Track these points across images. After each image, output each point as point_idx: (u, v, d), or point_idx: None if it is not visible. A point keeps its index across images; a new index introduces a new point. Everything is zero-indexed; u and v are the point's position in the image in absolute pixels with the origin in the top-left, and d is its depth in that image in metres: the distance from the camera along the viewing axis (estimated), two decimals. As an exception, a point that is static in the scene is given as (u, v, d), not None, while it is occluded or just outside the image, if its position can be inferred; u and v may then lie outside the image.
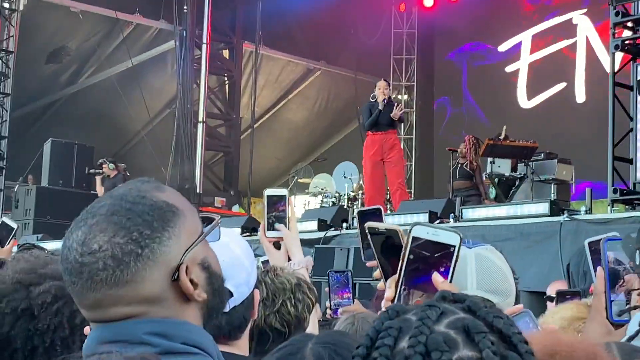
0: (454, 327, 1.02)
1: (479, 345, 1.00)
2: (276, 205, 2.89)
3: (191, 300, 1.38)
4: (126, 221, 1.34)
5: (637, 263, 1.78)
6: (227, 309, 1.99)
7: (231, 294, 2.01)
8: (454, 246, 1.43)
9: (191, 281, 1.38)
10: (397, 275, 1.45)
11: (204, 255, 1.43)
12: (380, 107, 10.88)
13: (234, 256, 2.11)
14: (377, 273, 1.73)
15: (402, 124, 11.26)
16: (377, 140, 11.00)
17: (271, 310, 2.36)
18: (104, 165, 13.65)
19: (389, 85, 11.31)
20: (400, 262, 1.44)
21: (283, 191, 2.94)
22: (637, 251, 1.83)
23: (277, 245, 2.88)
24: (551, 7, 15.95)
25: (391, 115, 10.86)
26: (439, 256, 1.43)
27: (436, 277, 1.42)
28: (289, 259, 2.80)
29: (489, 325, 1.03)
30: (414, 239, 1.42)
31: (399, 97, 18.45)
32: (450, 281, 1.44)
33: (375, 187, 11.06)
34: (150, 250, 1.34)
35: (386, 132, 10.99)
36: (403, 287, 1.44)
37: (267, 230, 2.87)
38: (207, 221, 1.48)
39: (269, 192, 2.91)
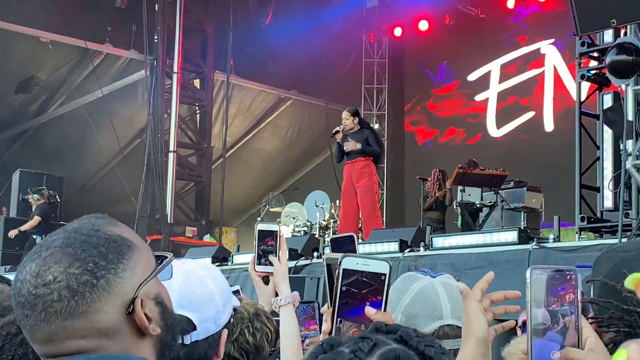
0: (385, 358, 1.02)
1: None
2: (266, 240, 2.90)
3: (145, 334, 1.38)
4: (81, 252, 1.34)
5: (591, 296, 1.77)
6: (188, 342, 1.97)
7: (194, 327, 1.99)
8: (385, 274, 1.44)
9: (145, 315, 1.37)
10: (331, 308, 1.46)
11: (158, 290, 1.43)
12: (338, 140, 10.87)
13: (207, 291, 2.09)
14: (324, 308, 1.74)
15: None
16: (347, 169, 11.01)
17: (229, 339, 2.33)
18: (29, 196, 14.07)
19: (356, 114, 11.21)
20: (334, 294, 1.44)
21: (274, 226, 2.94)
22: (591, 285, 1.82)
23: (265, 280, 2.89)
24: (519, 38, 16.13)
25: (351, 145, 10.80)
26: (370, 286, 1.44)
27: (369, 310, 1.43)
28: (277, 294, 2.79)
29: (421, 354, 1.04)
30: (345, 270, 1.42)
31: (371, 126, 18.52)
32: (384, 310, 1.45)
33: (347, 217, 11.05)
34: (106, 281, 1.33)
35: (353, 160, 10.92)
36: (338, 319, 1.44)
37: (257, 264, 2.87)
38: (160, 259, 1.48)
39: (260, 226, 2.92)
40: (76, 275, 1.32)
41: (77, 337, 1.33)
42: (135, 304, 1.36)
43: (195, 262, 2.19)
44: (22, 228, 13.82)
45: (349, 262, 1.42)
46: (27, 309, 1.33)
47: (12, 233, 13.89)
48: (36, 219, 13.77)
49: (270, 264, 2.85)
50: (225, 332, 2.13)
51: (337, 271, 1.44)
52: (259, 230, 2.91)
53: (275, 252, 2.86)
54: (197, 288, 2.05)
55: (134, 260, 1.38)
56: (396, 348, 1.04)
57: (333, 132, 10.93)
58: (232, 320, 2.29)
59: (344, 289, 1.42)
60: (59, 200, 14.44)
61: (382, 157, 11.65)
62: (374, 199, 11.16)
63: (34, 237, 13.71)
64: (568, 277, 1.46)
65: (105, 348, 1.34)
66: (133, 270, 1.37)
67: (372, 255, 9.02)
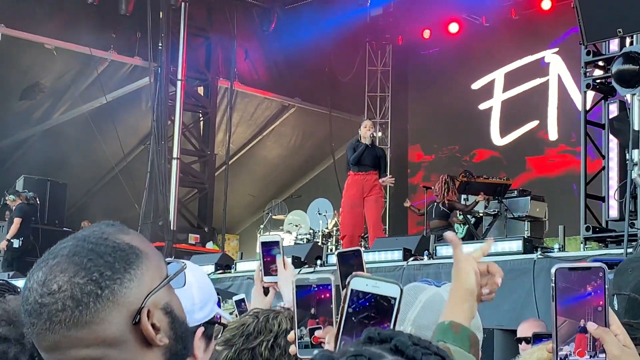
0: None
1: None
2: (269, 250, 2.94)
3: (153, 344, 1.36)
4: (87, 262, 1.33)
5: (616, 309, 1.74)
6: None
7: None
8: (395, 298, 1.39)
9: (153, 325, 1.35)
10: (335, 329, 1.41)
11: (167, 300, 1.41)
12: (367, 142, 10.87)
13: (188, 284, 2.08)
14: (291, 336, 1.74)
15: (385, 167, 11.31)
16: (358, 180, 10.97)
17: (247, 346, 2.30)
18: (6, 198, 14.07)
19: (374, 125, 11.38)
20: (339, 316, 1.40)
21: (276, 237, 3.00)
22: (614, 297, 1.79)
23: (265, 291, 2.93)
24: (524, 46, 16.12)
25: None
26: (379, 309, 1.39)
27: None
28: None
29: None
30: (353, 291, 1.38)
31: (374, 134, 18.50)
32: None
33: (352, 226, 11.01)
34: (111, 291, 1.32)
35: (367, 172, 10.96)
36: (342, 342, 1.38)
37: (265, 275, 2.92)
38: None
39: (263, 238, 2.98)
40: (80, 285, 1.31)
41: (81, 346, 1.32)
42: (142, 314, 1.34)
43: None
44: (8, 236, 13.72)
45: (358, 283, 1.38)
46: (34, 317, 1.33)
47: (2, 245, 13.78)
48: (17, 222, 13.66)
49: (276, 273, 2.88)
50: (200, 330, 2.10)
51: (345, 291, 1.40)
52: (262, 242, 2.97)
53: (280, 260, 2.91)
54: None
55: (142, 269, 1.37)
56: None
57: (369, 136, 10.90)
58: (224, 324, 2.27)
59: (350, 310, 1.38)
60: (38, 202, 14.39)
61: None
62: (380, 211, 11.32)
63: (12, 240, 13.63)
64: (596, 274, 1.45)
65: (110, 357, 1.33)
66: (140, 279, 1.36)
67: (376, 263, 9.01)
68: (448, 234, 1.83)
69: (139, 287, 1.35)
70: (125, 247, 1.37)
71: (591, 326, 1.45)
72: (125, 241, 1.38)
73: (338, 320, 1.39)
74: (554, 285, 1.46)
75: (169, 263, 1.47)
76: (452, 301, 1.75)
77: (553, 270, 1.46)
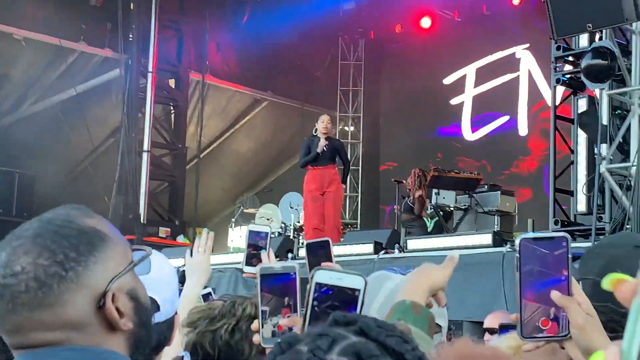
0: (345, 354, 0.99)
1: None
2: (256, 239, 2.93)
3: (117, 329, 1.35)
4: (51, 243, 1.31)
5: None
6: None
7: (158, 308, 1.99)
8: (359, 290, 1.39)
9: (117, 310, 1.34)
10: (301, 320, 1.42)
11: (133, 285, 1.40)
12: (318, 150, 10.92)
13: (164, 272, 2.10)
14: (254, 325, 1.74)
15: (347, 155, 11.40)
16: (317, 174, 11.03)
17: (209, 328, 2.29)
18: None
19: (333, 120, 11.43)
20: (305, 308, 1.40)
21: (265, 227, 2.99)
22: (580, 282, 1.81)
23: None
24: (495, 42, 16.19)
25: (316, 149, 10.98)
26: (342, 301, 1.39)
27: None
28: None
29: (382, 345, 1.01)
30: (317, 284, 1.38)
31: (346, 128, 18.56)
32: None
33: (317, 221, 11.05)
34: (75, 273, 1.31)
35: (326, 167, 11.08)
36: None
37: (245, 265, 2.91)
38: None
39: (251, 227, 2.96)
40: (44, 266, 1.30)
41: (44, 329, 1.30)
42: (106, 297, 1.33)
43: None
44: None
45: (322, 276, 1.38)
46: None
47: None
48: None
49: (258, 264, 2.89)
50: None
51: (309, 284, 1.40)
52: (250, 231, 2.94)
53: (265, 251, 2.90)
54: (156, 270, 2.04)
55: (107, 253, 1.36)
56: (356, 342, 1.01)
57: (325, 140, 10.95)
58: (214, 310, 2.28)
59: (314, 303, 1.38)
60: None
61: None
62: (339, 207, 11.51)
63: None
64: (559, 244, 1.47)
65: (73, 341, 1.32)
66: (105, 263, 1.35)
67: (347, 256, 9.02)
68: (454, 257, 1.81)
69: (104, 270, 1.34)
70: (90, 231, 1.36)
71: (555, 295, 1.46)
72: (90, 225, 1.38)
73: (304, 312, 1.39)
74: (518, 255, 1.47)
75: (134, 250, 1.46)
76: (415, 282, 1.75)
77: (517, 241, 1.48)
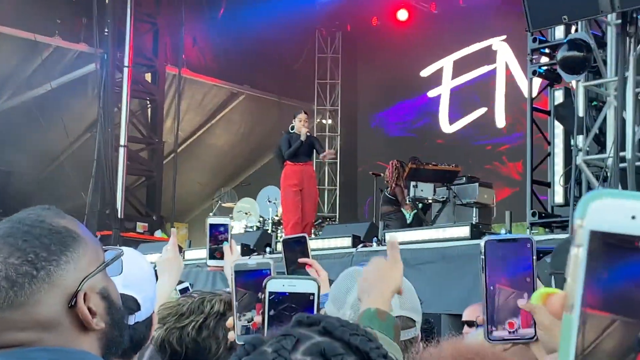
0: (310, 353, 0.99)
1: None
2: (217, 233, 2.90)
3: (89, 329, 1.34)
4: (22, 243, 1.31)
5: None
6: (132, 322, 1.96)
7: (139, 307, 1.98)
8: (313, 294, 1.39)
9: (89, 309, 1.34)
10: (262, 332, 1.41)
11: (104, 285, 1.40)
12: (302, 139, 10.93)
13: (144, 270, 2.10)
14: (229, 322, 1.73)
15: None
16: (297, 170, 11.08)
17: (176, 325, 2.27)
18: None
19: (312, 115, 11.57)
20: (262, 318, 1.39)
21: (225, 219, 2.97)
22: (552, 277, 1.81)
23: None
24: (472, 34, 16.23)
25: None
26: (299, 307, 1.39)
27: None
28: None
29: (347, 344, 1.01)
30: (271, 293, 1.38)
31: (324, 121, 18.55)
32: None
33: (298, 216, 11.07)
34: (47, 272, 1.30)
35: (305, 163, 11.22)
36: None
37: (209, 259, 2.89)
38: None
39: (211, 220, 2.93)
40: (15, 265, 1.29)
41: (15, 329, 1.29)
42: (78, 297, 1.33)
43: (124, 247, 2.15)
44: None
45: (275, 285, 1.38)
46: None
47: None
48: None
49: (221, 257, 2.85)
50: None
51: (262, 295, 1.40)
52: (210, 224, 2.90)
53: (227, 244, 2.88)
54: (136, 269, 2.04)
55: (78, 252, 1.35)
56: (320, 341, 1.01)
57: (305, 132, 11.01)
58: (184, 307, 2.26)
59: (271, 312, 1.37)
60: None
61: None
62: (316, 205, 11.83)
63: None
64: (524, 246, 1.48)
65: (45, 341, 1.31)
66: (77, 263, 1.34)
67: (326, 250, 9.01)
68: (392, 240, 1.89)
69: (76, 270, 1.34)
70: (62, 230, 1.36)
71: (520, 302, 1.47)
72: (62, 224, 1.37)
73: (261, 324, 1.40)
74: (483, 257, 1.48)
75: (105, 250, 1.46)
76: (378, 289, 1.78)
77: (482, 243, 1.49)
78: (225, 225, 2.92)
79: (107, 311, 1.38)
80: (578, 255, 0.60)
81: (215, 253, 2.88)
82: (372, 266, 1.84)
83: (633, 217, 0.58)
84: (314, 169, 11.48)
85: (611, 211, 0.58)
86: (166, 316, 2.26)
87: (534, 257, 1.49)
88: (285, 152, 11.14)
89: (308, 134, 11.15)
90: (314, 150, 11.33)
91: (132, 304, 1.96)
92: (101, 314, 1.37)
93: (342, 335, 1.02)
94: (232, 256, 2.86)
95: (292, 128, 11.20)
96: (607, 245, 0.58)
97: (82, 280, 1.33)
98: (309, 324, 1.04)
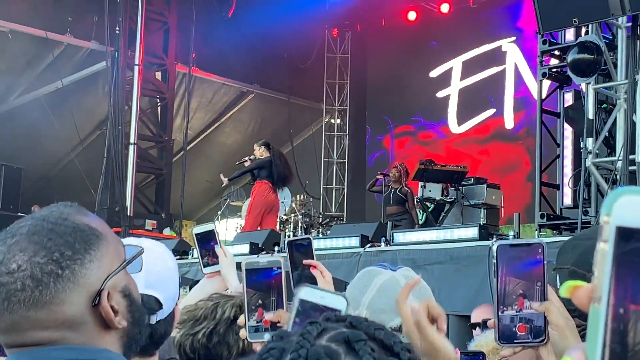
0: (334, 340, 1.02)
1: (359, 353, 1.00)
2: (204, 241, 2.93)
3: (111, 327, 1.35)
4: (47, 241, 1.31)
5: (557, 287, 1.79)
6: (154, 322, 1.96)
7: (161, 307, 1.98)
8: (340, 311, 1.42)
9: (112, 308, 1.35)
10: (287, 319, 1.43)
11: (126, 283, 1.40)
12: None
13: (168, 268, 2.08)
14: (241, 320, 1.74)
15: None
16: (272, 193, 12.41)
17: (189, 331, 2.29)
18: None
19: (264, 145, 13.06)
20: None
21: (209, 226, 2.99)
22: (557, 273, 1.84)
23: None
24: (481, 35, 16.21)
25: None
26: None
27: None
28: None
29: (371, 336, 1.04)
30: (301, 300, 1.40)
31: (332, 121, 18.57)
32: None
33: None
34: (71, 271, 1.30)
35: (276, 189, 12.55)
36: None
37: (203, 267, 2.91)
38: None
39: (196, 230, 2.97)
40: (41, 264, 1.29)
41: (40, 328, 1.30)
42: (102, 295, 1.33)
43: (150, 240, 2.13)
44: None
45: (307, 294, 1.40)
46: None
47: None
48: None
49: (215, 263, 2.88)
50: (178, 309, 2.12)
51: (293, 300, 1.42)
52: (195, 234, 2.95)
53: (217, 248, 2.91)
54: (160, 266, 2.03)
55: (101, 251, 1.35)
56: (345, 331, 1.04)
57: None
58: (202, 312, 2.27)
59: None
60: None
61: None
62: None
63: None
64: (535, 251, 1.50)
65: (69, 340, 1.32)
66: (100, 261, 1.34)
67: (334, 250, 9.03)
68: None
69: (99, 268, 1.34)
70: (85, 228, 1.36)
71: (534, 304, 1.49)
72: (84, 222, 1.37)
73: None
74: (495, 261, 1.50)
75: (125, 246, 1.46)
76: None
77: (495, 247, 1.51)
78: (211, 231, 2.95)
79: (128, 309, 1.39)
80: (605, 250, 0.63)
81: (209, 260, 2.91)
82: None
83: None
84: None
85: (636, 208, 0.62)
86: (183, 320, 2.28)
87: (546, 262, 1.52)
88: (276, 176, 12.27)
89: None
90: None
91: (153, 305, 1.96)
92: (123, 312, 1.37)
93: (367, 329, 1.05)
94: (226, 259, 2.89)
95: (253, 157, 12.56)
96: (632, 240, 0.62)
97: (106, 279, 1.34)
98: (336, 320, 1.07)
